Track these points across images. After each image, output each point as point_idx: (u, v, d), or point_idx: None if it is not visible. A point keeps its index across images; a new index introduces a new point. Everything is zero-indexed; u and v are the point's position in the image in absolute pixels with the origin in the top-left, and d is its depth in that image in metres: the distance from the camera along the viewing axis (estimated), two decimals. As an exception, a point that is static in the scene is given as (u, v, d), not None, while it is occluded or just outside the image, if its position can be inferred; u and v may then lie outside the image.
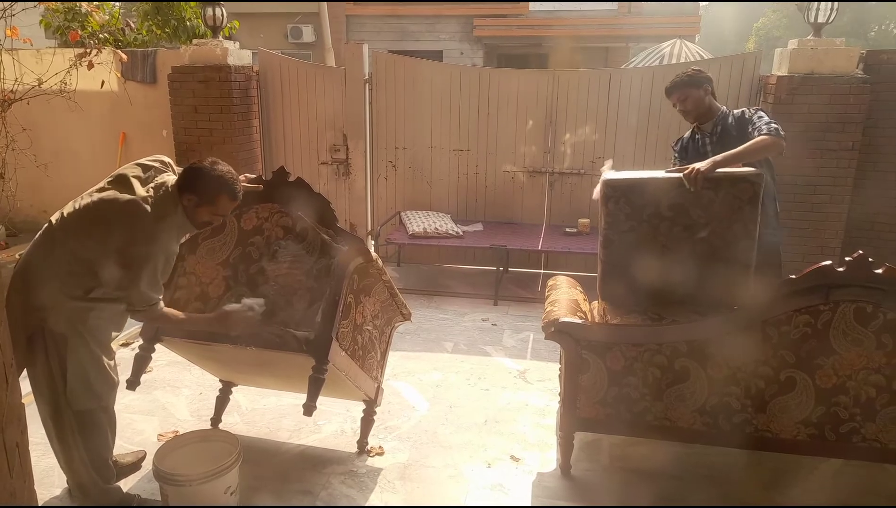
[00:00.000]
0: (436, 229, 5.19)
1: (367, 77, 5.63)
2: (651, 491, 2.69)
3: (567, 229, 5.31)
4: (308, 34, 13.86)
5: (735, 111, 3.24)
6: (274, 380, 3.02)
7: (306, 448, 3.02)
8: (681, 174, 2.78)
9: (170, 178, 2.34)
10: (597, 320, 3.04)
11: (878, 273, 2.30)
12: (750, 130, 3.01)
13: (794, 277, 2.37)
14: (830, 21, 4.66)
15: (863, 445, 2.50)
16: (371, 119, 5.75)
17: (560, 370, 2.98)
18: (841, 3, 4.69)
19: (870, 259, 2.30)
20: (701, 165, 2.73)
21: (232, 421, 3.18)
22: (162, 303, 2.28)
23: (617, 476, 2.81)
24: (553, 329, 2.65)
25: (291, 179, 2.76)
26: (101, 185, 2.29)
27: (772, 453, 2.70)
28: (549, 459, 2.93)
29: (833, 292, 2.34)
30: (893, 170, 4.93)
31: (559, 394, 2.94)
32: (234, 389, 3.16)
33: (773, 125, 2.94)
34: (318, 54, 11.87)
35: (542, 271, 5.59)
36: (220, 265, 2.78)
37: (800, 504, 2.62)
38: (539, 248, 5.03)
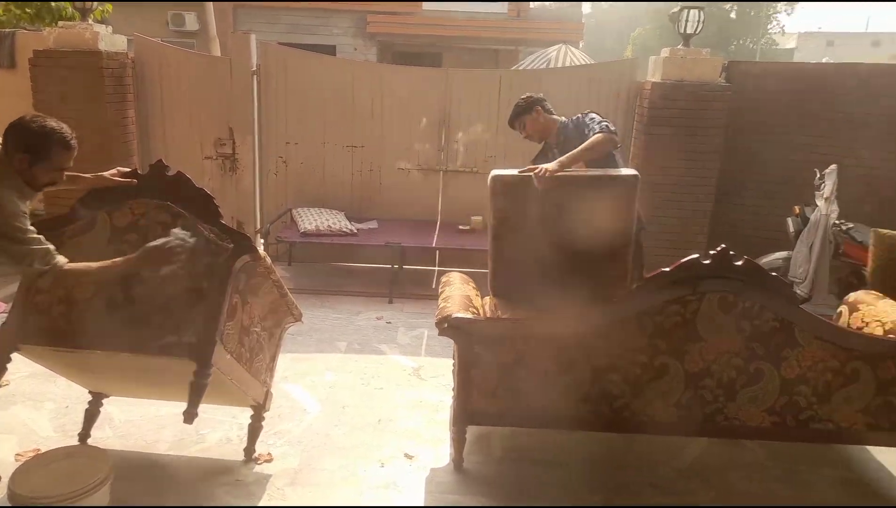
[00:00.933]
0: (329, 226, 5.09)
1: (254, 69, 5.41)
2: (541, 479, 2.79)
3: (460, 227, 5.40)
4: (191, 22, 13.13)
5: (572, 118, 3.51)
6: (151, 389, 2.83)
7: (189, 459, 2.85)
8: (532, 174, 2.92)
9: None
10: (488, 315, 3.11)
11: (738, 265, 2.52)
12: (586, 131, 3.27)
13: (665, 269, 2.54)
14: (698, 32, 5.05)
15: (725, 423, 2.72)
16: (259, 113, 5.53)
17: (453, 365, 3.03)
18: (707, 16, 5.10)
19: (731, 253, 2.52)
20: (549, 165, 2.89)
21: (103, 436, 2.94)
22: (59, 260, 2.13)
23: (508, 466, 2.89)
24: (446, 325, 2.67)
25: (171, 173, 2.59)
26: None
27: (647, 435, 2.88)
28: (442, 454, 2.95)
29: (700, 283, 2.53)
30: (750, 171, 5.43)
31: (452, 389, 2.98)
32: (105, 400, 2.93)
33: (604, 123, 3.22)
34: (203, 44, 11.28)
35: (436, 268, 5.64)
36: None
37: (666, 482, 2.82)
38: (433, 245, 5.08)
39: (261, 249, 2.59)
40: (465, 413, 2.76)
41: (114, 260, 2.27)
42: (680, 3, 5.00)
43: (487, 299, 3.27)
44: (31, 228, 2.10)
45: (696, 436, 2.99)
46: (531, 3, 13.87)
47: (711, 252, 2.53)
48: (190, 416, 2.28)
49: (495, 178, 2.90)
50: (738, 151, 5.37)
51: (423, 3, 13.35)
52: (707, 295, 2.55)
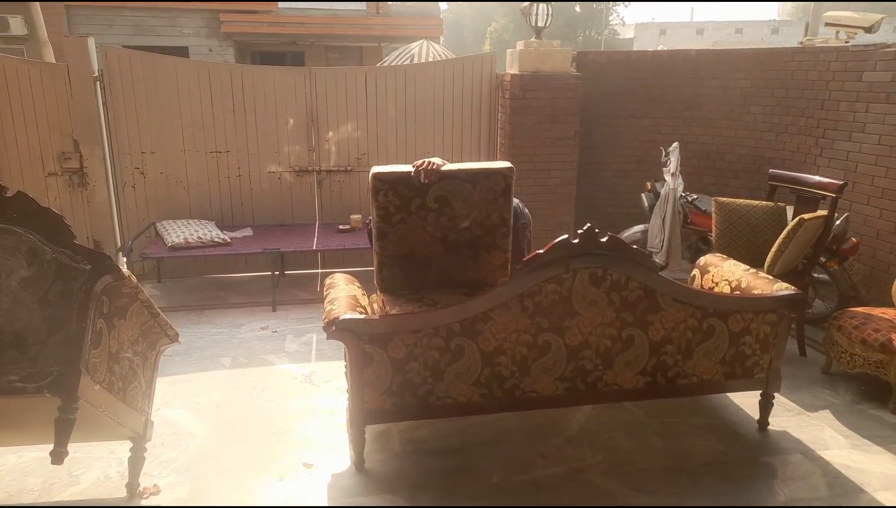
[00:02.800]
0: (199, 237, 4.82)
1: (96, 75, 4.98)
2: (441, 468, 2.85)
3: (340, 227, 5.33)
4: (17, 26, 11.79)
5: None
6: (9, 434, 2.53)
7: (62, 504, 2.60)
8: (415, 168, 2.97)
9: None
10: (377, 312, 3.11)
11: (603, 242, 2.71)
12: None
13: (540, 252, 2.67)
14: (548, 25, 5.33)
15: (606, 390, 2.93)
16: (108, 122, 5.11)
17: (346, 367, 3.00)
18: (554, 9, 5.39)
19: (596, 230, 2.70)
20: (435, 159, 2.95)
21: (-45, 494, 2.61)
22: None
23: (409, 460, 2.92)
24: (334, 328, 2.64)
25: (10, 193, 2.33)
26: None
27: (537, 410, 3.03)
28: (342, 458, 2.92)
29: (571, 261, 2.70)
30: (606, 153, 5.85)
31: (347, 391, 2.95)
32: (-46, 454, 2.60)
33: None
34: (33, 49, 10.17)
35: (319, 270, 5.53)
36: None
37: (556, 450, 2.99)
38: (314, 248, 4.97)
39: (124, 268, 2.40)
40: (362, 414, 2.75)
41: None
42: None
43: (375, 296, 3.27)
44: None
45: (580, 405, 3.20)
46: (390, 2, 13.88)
47: (579, 231, 2.70)
48: (58, 456, 2.09)
49: (376, 176, 2.90)
50: (593, 136, 5.76)
51: (279, 2, 12.94)
52: (579, 272, 2.72)
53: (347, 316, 2.66)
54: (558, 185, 5.43)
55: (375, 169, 2.96)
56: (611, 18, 36.89)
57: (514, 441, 3.06)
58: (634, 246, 2.81)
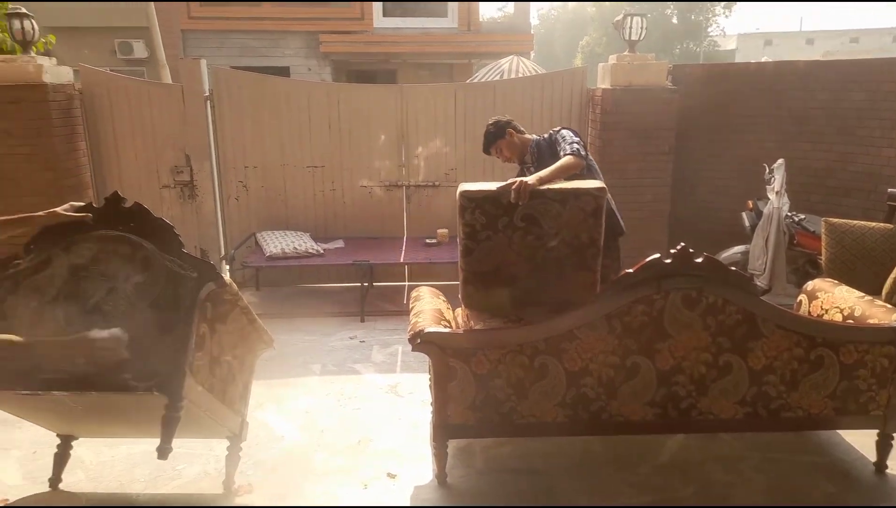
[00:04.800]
0: (294, 248, 5.05)
1: (207, 94, 5.35)
2: (524, 488, 2.80)
3: (427, 240, 5.41)
4: (139, 50, 12.90)
5: (544, 136, 3.56)
6: (122, 427, 2.75)
7: (166, 496, 2.77)
8: (510, 188, 2.93)
9: None
10: (461, 327, 3.12)
11: (698, 262, 2.59)
12: (558, 149, 3.33)
13: (629, 271, 2.60)
14: (641, 38, 5.20)
15: (700, 418, 2.79)
16: (216, 138, 5.46)
17: (430, 380, 3.02)
18: (650, 22, 5.26)
19: (690, 250, 2.59)
20: (528, 179, 2.91)
21: (75, 480, 2.84)
22: None
23: (491, 478, 2.89)
24: (419, 341, 2.67)
25: (127, 204, 2.54)
26: None
27: (625, 435, 2.93)
28: (425, 471, 2.94)
29: (663, 281, 2.60)
30: (703, 169, 5.61)
31: (431, 404, 2.97)
32: (75, 442, 2.83)
33: (574, 146, 3.26)
34: (153, 71, 11.08)
35: (406, 283, 5.63)
36: (47, 304, 2.47)
37: (645, 479, 2.87)
38: (401, 260, 5.07)
39: (226, 276, 2.55)
40: (445, 428, 2.76)
41: (45, 340, 2.21)
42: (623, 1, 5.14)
43: (459, 310, 3.28)
44: None
45: (672, 433, 3.05)
46: (481, 16, 14.04)
47: (672, 251, 2.59)
48: (164, 452, 2.23)
49: (463, 193, 2.91)
50: (689, 151, 5.53)
51: (374, 21, 13.40)
52: (671, 293, 2.61)
53: (432, 329, 2.68)
54: (650, 202, 5.26)
55: (463, 186, 2.98)
56: (710, 29, 35.44)
57: (599, 466, 2.97)
58: (733, 268, 2.67)
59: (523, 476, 2.88)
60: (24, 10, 4.93)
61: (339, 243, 5.42)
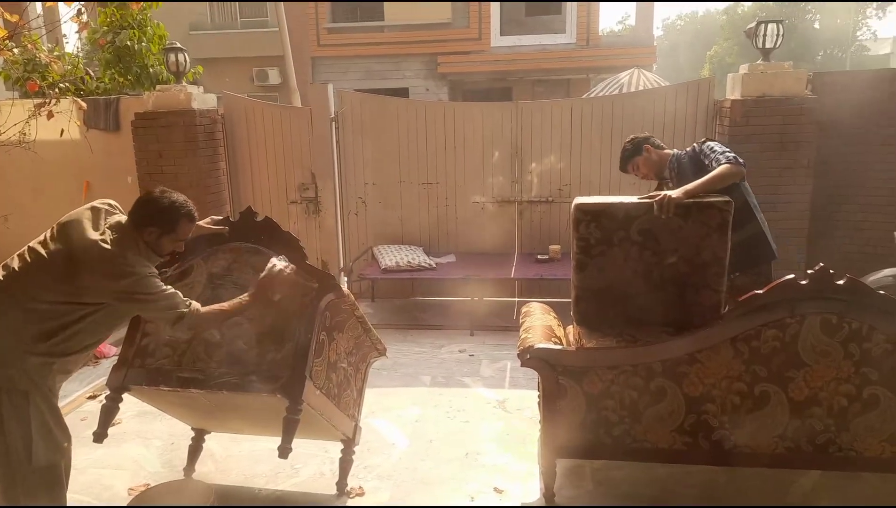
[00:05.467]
0: (408, 262, 5.19)
1: (333, 116, 5.67)
2: (636, 515, 2.67)
3: (539, 257, 5.36)
4: (274, 77, 13.98)
5: (686, 150, 3.35)
6: (248, 424, 2.94)
7: (284, 493, 2.93)
8: (653, 201, 2.80)
9: (122, 217, 2.32)
10: (572, 344, 3.04)
11: (839, 284, 2.36)
12: (707, 163, 3.08)
13: (759, 292, 2.41)
14: (777, 46, 4.86)
15: (839, 455, 2.52)
16: (339, 157, 5.77)
17: (538, 397, 2.97)
18: (787, 28, 4.90)
19: (831, 271, 2.37)
20: (673, 192, 2.77)
21: (206, 470, 3.08)
22: (193, 305, 2.29)
23: (601, 501, 2.79)
24: (529, 356, 2.64)
25: (259, 218, 2.75)
26: (47, 234, 2.24)
27: (751, 468, 2.70)
28: (532, 489, 2.89)
29: (798, 305, 2.39)
30: (849, 185, 5.10)
31: (539, 422, 2.92)
32: (207, 436, 3.08)
33: (729, 154, 3.02)
34: (284, 96, 11.95)
35: (516, 298, 5.60)
36: (188, 309, 2.72)
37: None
38: (512, 276, 5.06)
39: (345, 286, 2.67)
40: (554, 446, 2.70)
41: (240, 298, 2.42)
42: None
43: (570, 328, 3.21)
44: (166, 286, 2.26)
45: (806, 468, 2.78)
46: (601, 29, 13.81)
47: (809, 272, 2.39)
48: (284, 451, 2.36)
49: (578, 206, 2.84)
50: (833, 165, 5.06)
51: (492, 41, 13.59)
52: (807, 317, 2.40)
53: (542, 345, 2.64)
54: (786, 220, 4.86)
55: (578, 199, 2.91)
56: (859, 33, 32.38)
57: (722, 500, 2.76)
58: (881, 292, 2.41)
59: (636, 502, 2.74)
60: (178, 45, 5.52)
61: (451, 258, 5.51)
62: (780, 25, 4.84)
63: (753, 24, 4.94)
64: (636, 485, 2.86)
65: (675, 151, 3.43)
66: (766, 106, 4.75)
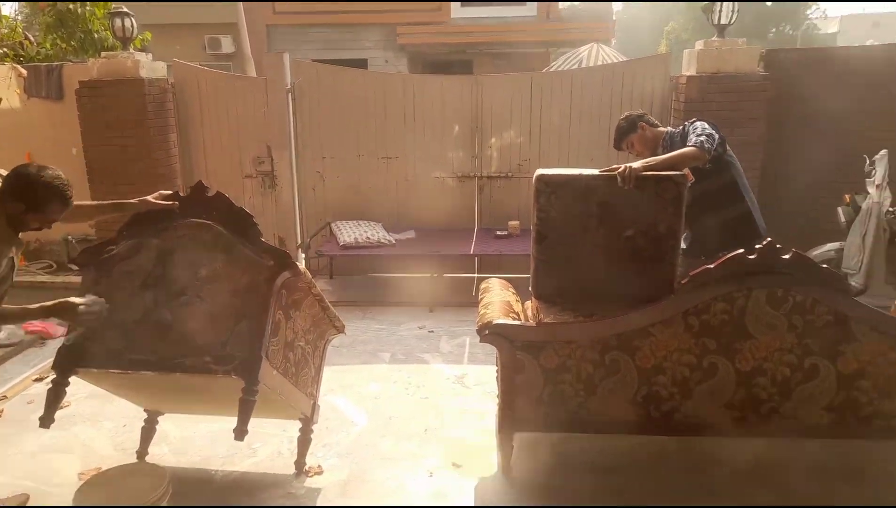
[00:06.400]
0: (367, 238, 5.14)
1: (289, 87, 5.52)
2: (591, 486, 2.74)
3: (498, 232, 5.38)
4: (227, 45, 13.49)
5: (678, 128, 3.36)
6: (203, 405, 2.90)
7: (241, 474, 2.91)
8: (615, 172, 2.82)
9: None
10: (530, 319, 3.08)
11: (786, 259, 2.44)
12: (688, 141, 3.14)
13: (710, 266, 2.47)
14: (732, 22, 4.93)
15: (781, 423, 2.63)
16: (295, 130, 5.64)
17: (497, 372, 3.01)
18: (742, 5, 4.97)
19: (778, 246, 2.44)
20: (634, 164, 2.80)
21: (160, 452, 3.03)
22: None
23: (556, 473, 2.85)
24: (487, 332, 2.66)
25: (210, 193, 2.66)
26: None
27: (700, 437, 2.80)
28: (490, 462, 2.94)
29: (746, 279, 2.46)
30: (797, 161, 5.26)
31: (497, 396, 2.96)
32: (160, 418, 3.01)
33: (701, 138, 3.05)
34: (238, 65, 11.59)
35: (475, 275, 5.62)
36: (137, 288, 2.63)
37: (722, 485, 2.74)
38: (471, 252, 5.07)
39: (302, 264, 2.63)
40: (511, 420, 2.74)
41: (27, 307, 2.30)
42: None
43: (528, 303, 3.24)
44: None
45: (751, 437, 2.89)
46: (560, 4, 13.76)
47: (757, 246, 2.45)
48: (240, 433, 2.33)
49: (540, 177, 2.84)
50: (782, 142, 5.20)
51: (452, 12, 13.40)
52: (754, 291, 2.47)
53: (501, 321, 2.66)
54: (735, 195, 4.98)
55: (540, 171, 2.91)
56: (809, 12, 33.12)
57: (671, 469, 2.86)
58: (825, 266, 2.50)
59: (590, 474, 2.82)
60: (125, 9, 5.26)
61: (411, 234, 5.48)
62: (735, 2, 4.91)
63: (709, 1, 4.99)
64: (591, 456, 2.94)
65: (669, 128, 3.44)
66: (720, 82, 4.83)
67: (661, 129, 3.44)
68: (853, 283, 4.03)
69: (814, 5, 33.07)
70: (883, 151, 4.14)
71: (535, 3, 13.39)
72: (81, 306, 2.27)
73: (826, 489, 2.70)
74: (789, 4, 31.48)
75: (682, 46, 5.46)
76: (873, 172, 4.15)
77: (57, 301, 2.27)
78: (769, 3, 31.76)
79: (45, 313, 2.29)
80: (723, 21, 4.92)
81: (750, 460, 2.88)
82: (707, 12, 5.02)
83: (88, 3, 6.57)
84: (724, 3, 4.88)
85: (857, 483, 2.72)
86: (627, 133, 3.41)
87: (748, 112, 4.85)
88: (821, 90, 5.11)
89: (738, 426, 2.65)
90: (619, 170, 2.74)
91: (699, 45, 5.00)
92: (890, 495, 2.65)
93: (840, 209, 4.62)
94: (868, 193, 4.19)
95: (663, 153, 3.37)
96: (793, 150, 5.24)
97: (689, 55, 5.07)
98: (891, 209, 4.22)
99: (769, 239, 2.46)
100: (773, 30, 31.69)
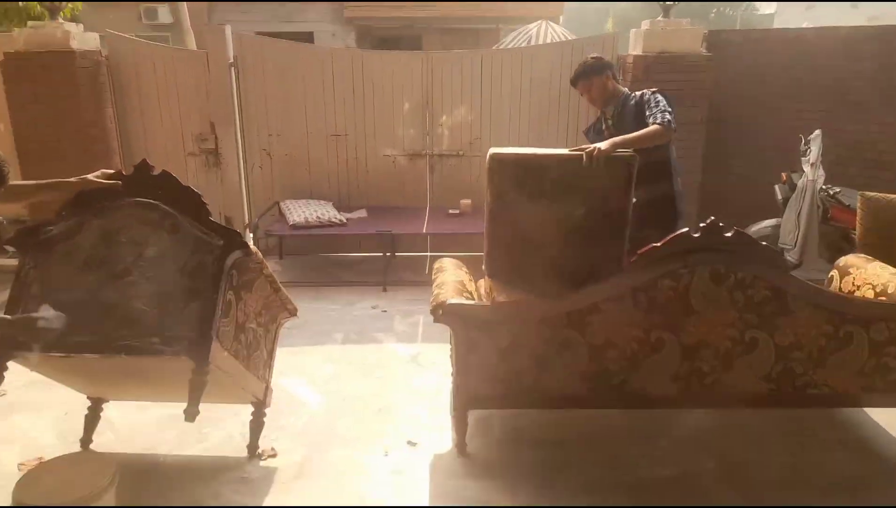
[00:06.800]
0: (318, 217, 5.06)
1: (231, 61, 5.33)
2: (542, 459, 2.82)
3: (450, 211, 5.38)
4: (165, 15, 12.90)
5: (636, 94, 3.36)
6: (151, 390, 2.81)
7: (192, 458, 2.85)
8: (582, 152, 2.84)
9: None
10: (483, 298, 3.11)
11: (728, 236, 2.53)
12: (647, 114, 3.15)
13: (656, 244, 2.55)
14: (676, 2, 5.02)
15: (723, 393, 2.76)
16: (240, 105, 5.46)
17: (451, 350, 3.03)
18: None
19: (720, 224, 2.53)
20: (602, 144, 2.82)
21: (105, 441, 2.93)
22: None
23: (509, 448, 2.91)
24: (441, 312, 2.67)
25: (156, 172, 2.56)
26: None
27: (646, 410, 2.91)
28: (445, 440, 2.97)
29: (690, 256, 2.55)
30: (737, 140, 5.45)
31: (451, 375, 2.99)
32: (105, 405, 2.91)
33: (667, 114, 3.08)
34: (178, 37, 11.09)
35: (428, 253, 5.62)
36: (78, 269, 2.52)
37: (666, 453, 2.86)
38: (424, 231, 5.06)
39: (251, 244, 2.56)
40: (465, 398, 2.78)
41: None
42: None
43: (482, 282, 3.27)
44: None
45: (694, 408, 3.03)
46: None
47: (701, 225, 2.54)
48: (191, 414, 2.28)
49: (493, 155, 2.84)
50: (723, 121, 5.37)
51: (400, -15, 13.18)
52: (698, 268, 2.56)
53: (454, 301, 2.68)
54: (682, 174, 5.13)
55: (494, 149, 2.91)
56: (748, -7, 34.07)
57: (618, 439, 2.97)
58: (763, 242, 2.61)
59: (541, 448, 2.89)
60: (51, -24, 4.95)
61: (363, 213, 5.43)
62: (680, -17, 5.00)
63: (656, -18, 5.06)
64: (541, 430, 3.01)
65: (625, 90, 3.45)
66: (665, 62, 4.93)
67: (622, 88, 3.46)
68: (789, 258, 4.23)
69: (752, -13, 33.95)
70: (817, 131, 4.33)
71: (484, -22, 13.30)
72: (41, 322, 2.18)
73: (764, 455, 2.85)
74: (730, -14, 32.21)
75: (630, 26, 5.54)
76: (808, 151, 4.34)
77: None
78: (711, -16, 32.42)
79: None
80: (668, 1, 5.01)
81: (693, 429, 3.02)
82: (653, -8, 5.10)
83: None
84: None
85: (794, 451, 2.88)
86: (593, 74, 3.36)
87: (692, 92, 4.97)
88: (760, 71, 5.30)
89: (683, 397, 2.76)
90: (588, 150, 2.76)
91: (645, 24, 5.08)
92: (823, 460, 2.82)
93: (777, 187, 4.83)
94: (804, 171, 4.38)
95: (614, 114, 3.42)
96: (733, 129, 5.42)
97: (636, 35, 5.15)
98: (824, 187, 4.43)
99: (713, 218, 2.54)
100: (714, 10, 32.47)
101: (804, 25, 7.57)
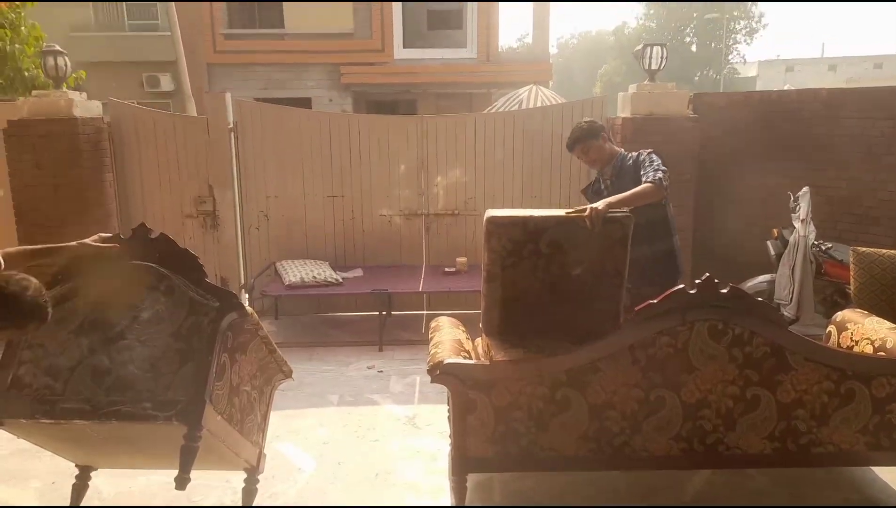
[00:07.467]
0: (314, 277, 5.06)
1: (231, 126, 5.45)
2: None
3: (446, 269, 5.40)
4: (166, 83, 13.28)
5: (633, 154, 3.46)
6: (141, 457, 2.74)
7: (182, 528, 2.75)
8: (582, 215, 2.85)
9: None
10: (481, 357, 3.08)
11: (724, 293, 2.54)
12: (642, 172, 3.24)
13: (653, 302, 2.55)
14: (662, 67, 5.21)
15: (727, 453, 2.70)
16: (238, 168, 5.55)
17: (448, 411, 2.98)
18: (669, 51, 5.27)
19: (715, 280, 2.54)
20: (598, 204, 2.85)
21: (92, 510, 2.83)
22: None
23: (511, 512, 2.83)
24: (438, 372, 2.64)
25: (154, 234, 2.58)
26: None
27: (649, 471, 2.84)
28: (444, 504, 2.88)
29: (688, 313, 2.55)
30: (726, 198, 5.54)
31: (449, 436, 2.93)
32: (93, 473, 2.83)
33: (658, 174, 3.17)
34: (179, 103, 11.38)
35: (424, 311, 5.61)
36: (72, 333, 2.50)
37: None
38: (420, 289, 5.06)
39: (246, 304, 2.55)
40: (464, 461, 2.71)
41: None
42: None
43: (479, 340, 3.25)
44: None
45: (698, 468, 2.96)
46: (499, 46, 14.25)
47: (697, 281, 2.55)
48: (182, 482, 2.21)
49: (491, 219, 2.88)
50: (712, 180, 5.48)
51: (395, 52, 13.65)
52: (696, 324, 2.56)
53: (451, 360, 2.65)
54: (672, 230, 5.20)
55: (491, 212, 2.95)
56: (731, 57, 35.48)
57: (622, 502, 2.88)
58: (759, 298, 2.62)
59: (544, 512, 2.81)
60: (57, 48, 5.11)
61: (358, 272, 5.44)
62: (664, 48, 5.20)
63: (640, 47, 5.27)
64: (543, 494, 2.93)
65: (622, 150, 3.54)
66: (653, 124, 5.06)
67: (617, 148, 3.54)
68: (786, 313, 4.23)
69: (734, 50, 35.43)
70: (805, 188, 4.41)
71: (476, 45, 13.80)
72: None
73: (770, 515, 2.77)
74: (711, 50, 33.57)
75: (616, 88, 5.72)
76: (797, 207, 4.40)
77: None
78: (693, 49, 33.79)
79: None
80: (653, 66, 5.19)
81: (697, 490, 2.94)
82: (638, 57, 5.29)
83: (18, 41, 6.35)
84: (654, 49, 5.17)
85: (799, 509, 2.80)
86: (589, 137, 3.44)
87: (680, 152, 5.08)
88: (745, 131, 5.44)
89: (686, 457, 2.71)
90: (587, 213, 2.80)
91: (632, 88, 5.25)
92: (829, 518, 2.75)
93: (769, 243, 4.87)
94: (794, 227, 4.44)
95: (612, 174, 3.48)
96: (723, 188, 5.53)
97: (624, 98, 5.31)
98: (816, 242, 4.48)
99: (707, 274, 2.56)
100: (699, 74, 33.69)
101: (786, 87, 7.84)
